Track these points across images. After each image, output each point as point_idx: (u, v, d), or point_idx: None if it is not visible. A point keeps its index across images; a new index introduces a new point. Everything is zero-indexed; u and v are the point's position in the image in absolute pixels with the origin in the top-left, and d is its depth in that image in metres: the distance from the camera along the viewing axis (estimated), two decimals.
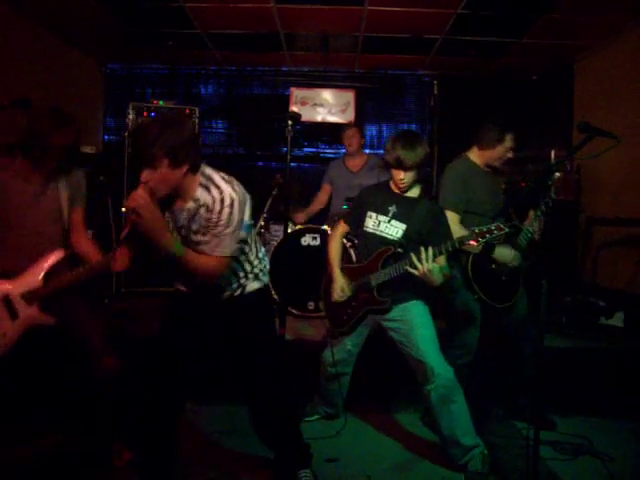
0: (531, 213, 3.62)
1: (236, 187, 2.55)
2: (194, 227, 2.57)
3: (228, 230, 2.52)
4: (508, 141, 3.62)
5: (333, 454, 3.34)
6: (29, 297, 2.99)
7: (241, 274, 2.78)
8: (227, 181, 2.55)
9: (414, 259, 3.01)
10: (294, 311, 5.14)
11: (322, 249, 4.94)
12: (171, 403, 2.87)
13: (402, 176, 3.21)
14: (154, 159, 2.37)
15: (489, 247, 3.48)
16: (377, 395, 4.07)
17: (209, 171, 2.58)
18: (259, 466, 3.13)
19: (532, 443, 2.69)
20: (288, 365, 3.45)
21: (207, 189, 2.52)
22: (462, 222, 3.54)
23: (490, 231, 2.95)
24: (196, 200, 2.53)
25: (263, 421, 3.00)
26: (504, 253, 3.54)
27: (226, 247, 2.55)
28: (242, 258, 2.76)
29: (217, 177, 2.56)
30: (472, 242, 2.99)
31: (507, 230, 2.99)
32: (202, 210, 2.52)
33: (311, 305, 5.15)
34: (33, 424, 3.48)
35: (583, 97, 6.50)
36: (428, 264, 2.98)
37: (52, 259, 3.04)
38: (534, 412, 2.90)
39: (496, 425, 3.74)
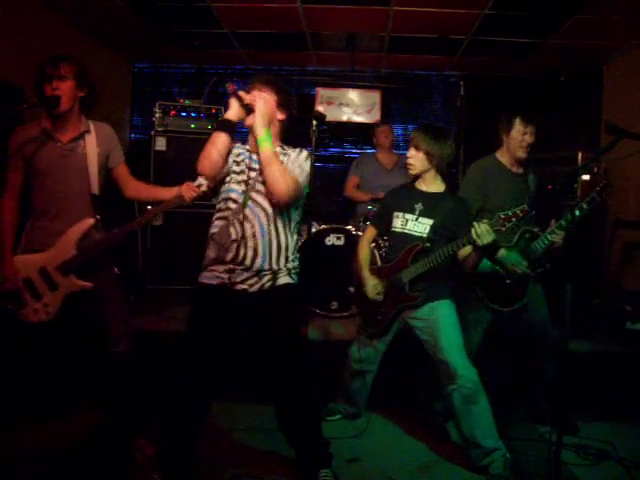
0: (553, 222, 3.51)
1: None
2: None
3: (301, 174, 2.85)
4: (517, 124, 3.61)
5: (355, 454, 3.34)
6: (65, 268, 3.02)
7: (282, 257, 2.94)
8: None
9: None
10: (317, 310, 5.15)
11: (346, 249, 4.96)
12: (198, 399, 2.91)
13: (409, 154, 3.37)
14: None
15: (494, 247, 3.44)
16: (400, 395, 4.06)
17: None
18: (283, 465, 3.15)
19: (555, 447, 2.67)
20: (311, 364, 3.46)
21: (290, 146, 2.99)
22: None
23: (516, 215, 2.96)
24: (282, 147, 2.97)
25: (286, 419, 3.03)
26: (507, 256, 3.43)
27: (299, 176, 2.85)
28: (288, 239, 2.96)
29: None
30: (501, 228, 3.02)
31: (532, 213, 3.08)
32: (284, 158, 2.88)
33: (334, 305, 5.16)
34: (52, 415, 3.55)
35: (612, 99, 6.42)
36: (465, 251, 3.16)
37: (82, 228, 3.05)
38: (557, 416, 2.88)
39: (519, 429, 3.71)
